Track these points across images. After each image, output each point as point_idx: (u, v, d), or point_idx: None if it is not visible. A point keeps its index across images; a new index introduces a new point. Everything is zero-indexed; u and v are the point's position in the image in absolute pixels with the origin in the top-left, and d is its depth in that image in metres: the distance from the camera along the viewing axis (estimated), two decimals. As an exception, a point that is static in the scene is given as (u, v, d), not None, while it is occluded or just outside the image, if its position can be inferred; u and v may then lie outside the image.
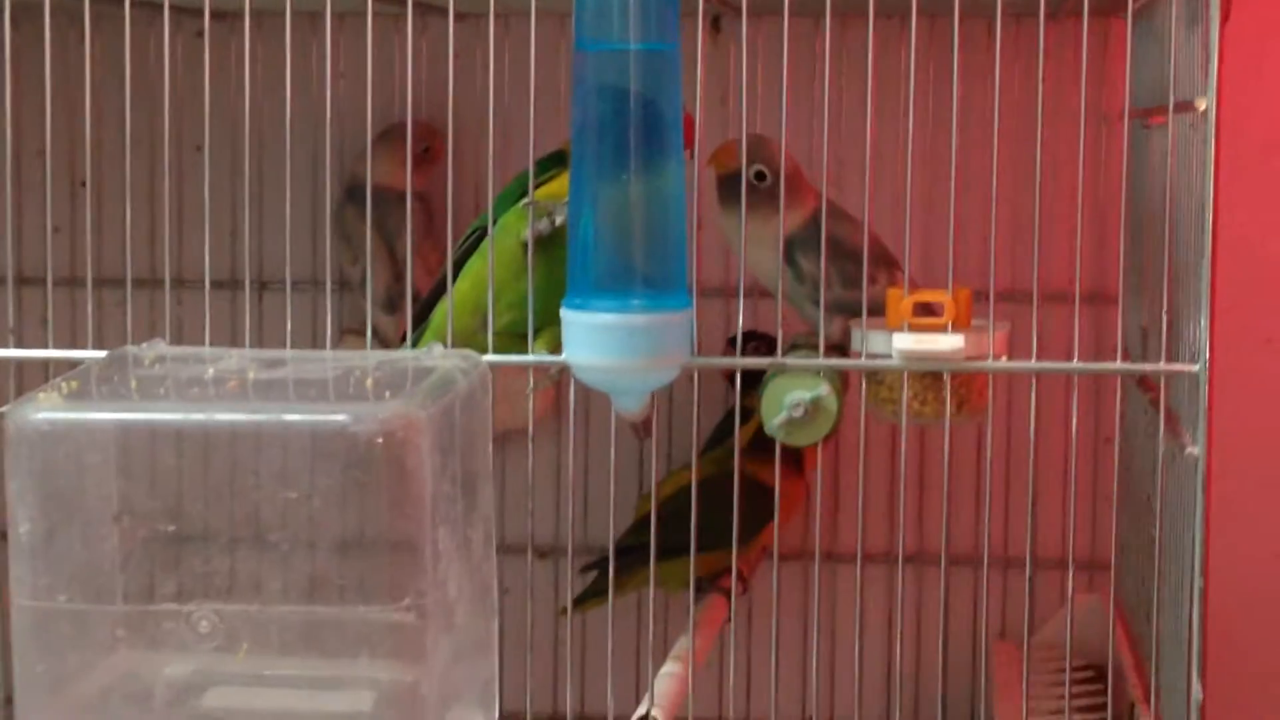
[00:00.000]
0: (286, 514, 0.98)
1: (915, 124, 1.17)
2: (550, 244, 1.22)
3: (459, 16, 1.17)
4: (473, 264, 1.29)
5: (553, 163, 1.28)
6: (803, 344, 1.27)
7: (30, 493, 0.98)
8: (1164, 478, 1.17)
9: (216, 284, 1.20)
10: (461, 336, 1.20)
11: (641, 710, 1.18)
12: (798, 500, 1.45)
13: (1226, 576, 1.21)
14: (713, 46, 1.55)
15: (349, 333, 1.56)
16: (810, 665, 1.41)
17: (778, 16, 1.14)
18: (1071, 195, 1.16)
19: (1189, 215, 1.13)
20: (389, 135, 1.50)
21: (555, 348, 1.14)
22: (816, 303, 1.21)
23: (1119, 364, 1.18)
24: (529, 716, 1.21)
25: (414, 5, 1.16)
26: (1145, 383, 1.26)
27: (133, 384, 1.04)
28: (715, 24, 1.56)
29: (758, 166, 1.28)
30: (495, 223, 1.27)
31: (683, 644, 1.26)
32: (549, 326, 1.16)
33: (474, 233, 1.31)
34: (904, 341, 1.16)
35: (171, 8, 1.16)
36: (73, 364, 1.12)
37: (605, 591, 1.40)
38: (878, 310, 1.21)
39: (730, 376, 1.45)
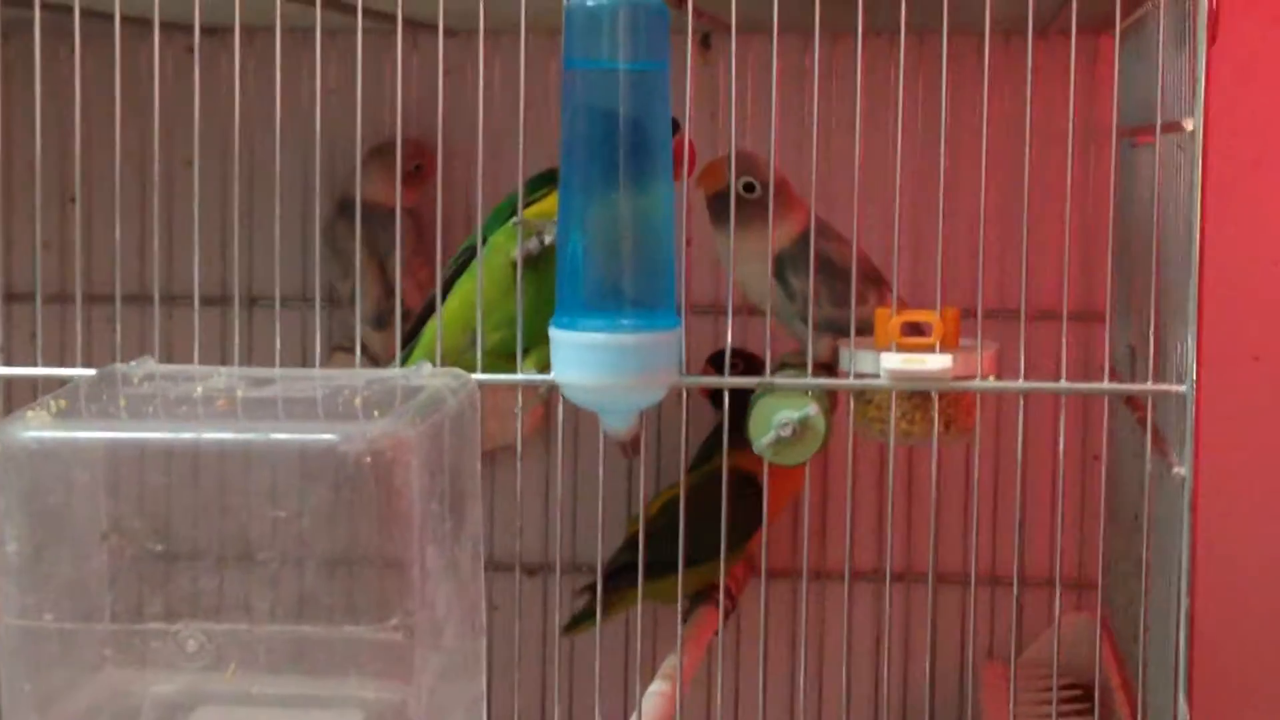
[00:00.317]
0: (275, 533, 0.98)
1: (904, 141, 1.17)
2: (540, 263, 1.22)
3: (449, 34, 1.17)
4: (463, 283, 1.29)
5: (543, 182, 1.28)
6: (791, 363, 1.27)
7: (18, 511, 0.98)
8: (1151, 497, 1.17)
9: (206, 300, 1.20)
10: (451, 355, 1.20)
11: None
12: (791, 490, 1.44)
13: (1213, 596, 1.21)
14: (702, 64, 1.55)
15: (338, 350, 1.56)
16: (798, 684, 1.41)
17: (767, 34, 1.14)
18: (1059, 214, 1.17)
19: (1176, 234, 1.13)
20: (381, 152, 1.50)
21: (544, 367, 1.14)
22: (805, 321, 1.21)
23: (1106, 384, 1.18)
24: (517, 734, 1.21)
25: (404, 22, 1.16)
26: (1133, 401, 1.26)
27: (121, 402, 1.04)
28: (705, 41, 1.56)
29: (746, 178, 1.29)
30: (485, 242, 1.27)
31: (671, 662, 1.26)
32: (538, 346, 1.16)
33: (464, 252, 1.31)
34: (892, 361, 1.16)
35: (162, 23, 1.16)
36: (61, 381, 1.12)
37: (604, 610, 1.40)
38: (866, 329, 1.21)
39: (712, 396, 1.45)
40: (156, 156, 1.17)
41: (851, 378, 1.19)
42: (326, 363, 1.49)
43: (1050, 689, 1.34)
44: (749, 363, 1.35)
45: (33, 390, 1.16)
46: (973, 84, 1.19)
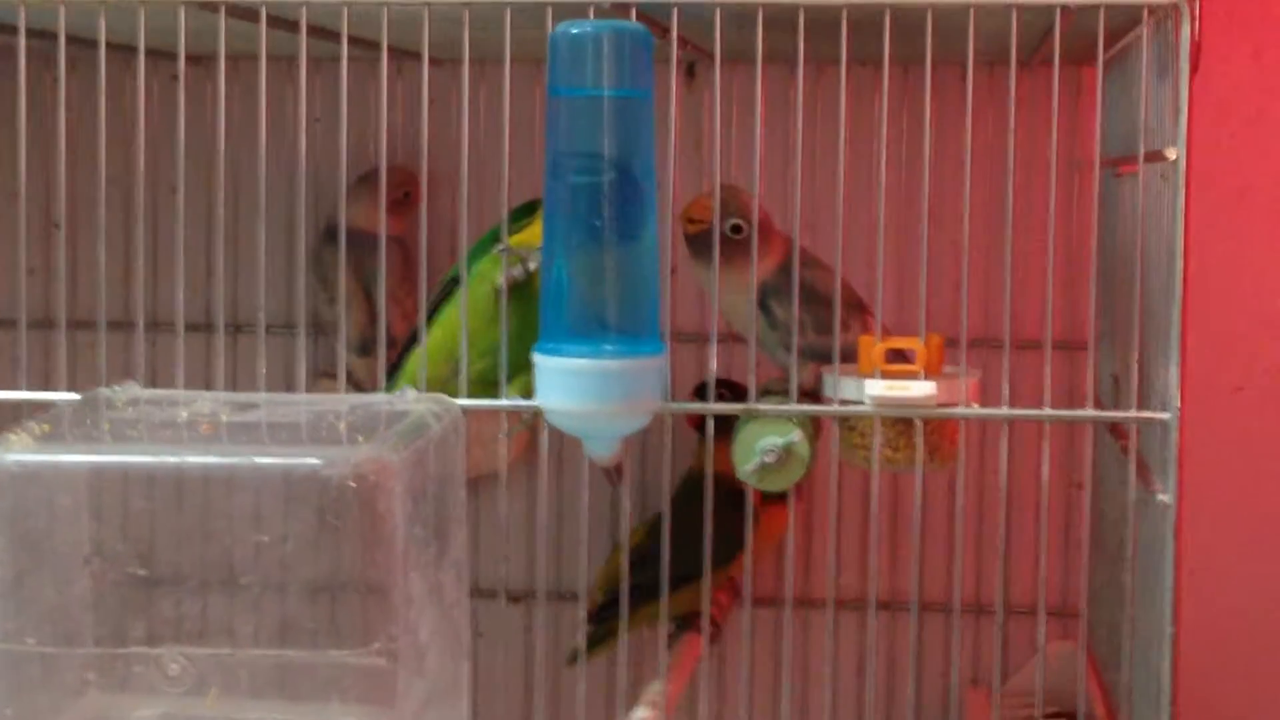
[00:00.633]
0: (258, 557, 0.97)
1: (888, 170, 1.18)
2: (524, 291, 1.22)
3: (434, 62, 1.17)
4: (446, 312, 1.29)
5: (526, 212, 1.29)
6: (775, 390, 1.27)
7: (1, 534, 0.98)
8: (1135, 525, 1.17)
9: (190, 326, 1.20)
10: (435, 384, 1.20)
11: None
12: (779, 527, 1.44)
13: (1197, 624, 1.21)
14: (687, 93, 1.55)
15: (323, 376, 1.56)
16: (782, 711, 1.41)
17: (752, 64, 1.15)
18: (1043, 243, 1.17)
19: (1159, 263, 1.14)
20: (368, 179, 1.50)
21: (528, 394, 1.14)
22: (789, 348, 1.21)
23: (1090, 411, 1.18)
24: (500, 761, 1.21)
25: (389, 50, 1.16)
26: (1117, 430, 1.26)
27: (105, 426, 1.04)
28: (690, 70, 1.57)
29: (735, 220, 1.29)
30: (468, 271, 1.27)
31: (655, 689, 1.26)
32: (522, 373, 1.16)
33: (448, 281, 1.31)
34: (876, 388, 1.16)
35: (147, 50, 1.16)
36: (45, 406, 1.12)
37: (598, 643, 1.40)
38: (850, 356, 1.21)
39: (697, 426, 1.45)
40: (141, 183, 1.17)
41: (836, 404, 1.19)
42: (311, 390, 1.49)
43: (1034, 718, 1.34)
44: (735, 392, 1.35)
45: (17, 414, 1.15)
46: (956, 114, 1.19)
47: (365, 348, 1.52)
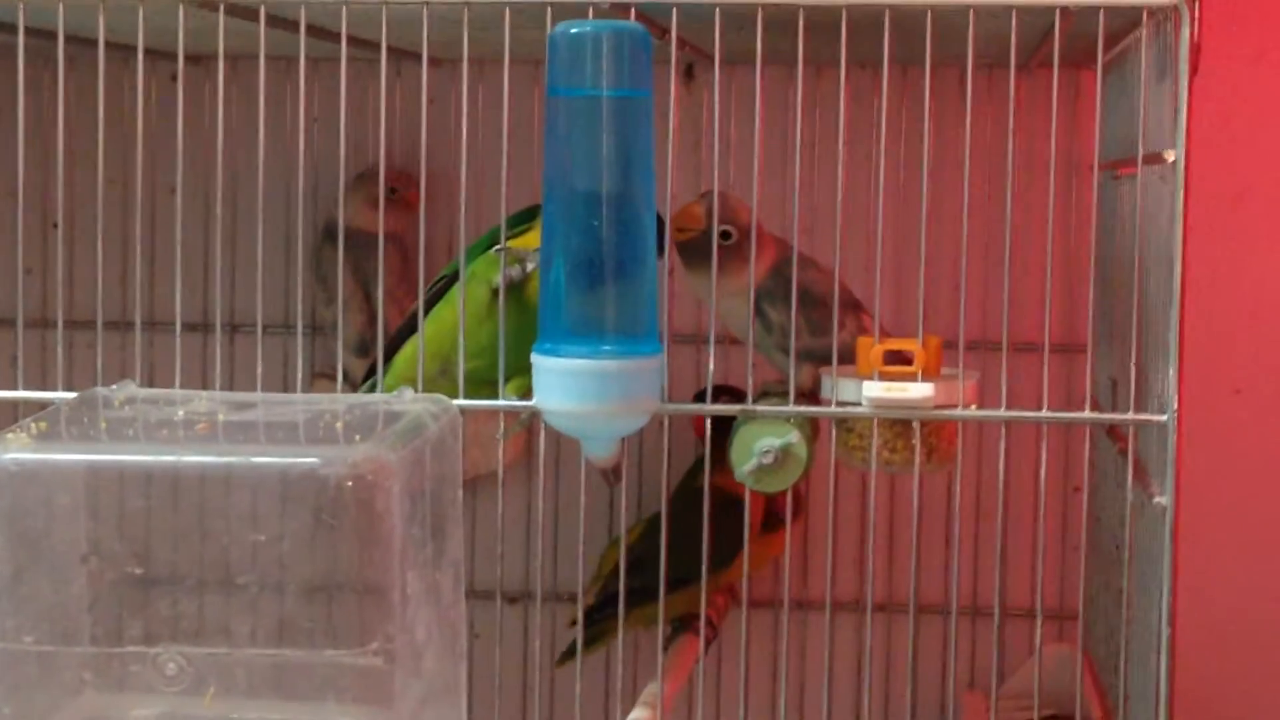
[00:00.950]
0: (255, 556, 0.97)
1: (887, 172, 1.18)
2: (519, 292, 1.22)
3: (433, 62, 1.17)
4: (437, 311, 1.29)
5: (525, 218, 1.29)
6: (773, 391, 1.27)
7: (-2, 533, 0.98)
8: (1132, 527, 1.17)
9: (188, 327, 1.20)
10: (424, 383, 1.20)
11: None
12: (776, 550, 1.45)
13: (1194, 627, 1.21)
14: (686, 94, 1.55)
15: (320, 376, 1.56)
16: (779, 713, 1.41)
17: (751, 65, 1.15)
18: (1042, 245, 1.17)
19: (1158, 266, 1.14)
20: (363, 178, 1.50)
21: (525, 395, 1.14)
22: (785, 351, 1.21)
23: (1088, 413, 1.18)
24: (497, 762, 1.21)
25: (388, 50, 1.16)
26: (1114, 432, 1.26)
27: (102, 425, 1.04)
28: (688, 72, 1.57)
29: (724, 226, 1.29)
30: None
31: (652, 689, 1.26)
32: (517, 374, 1.16)
33: (439, 280, 1.31)
34: (874, 389, 1.16)
35: (146, 50, 1.16)
36: (42, 405, 1.12)
37: (589, 643, 1.40)
38: (847, 357, 1.21)
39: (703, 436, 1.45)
40: (139, 182, 1.17)
41: (834, 405, 1.19)
42: (308, 390, 1.49)
43: (1031, 720, 1.34)
44: (735, 398, 1.35)
45: (13, 413, 1.15)
46: (955, 116, 1.19)
47: (362, 348, 1.52)
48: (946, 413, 1.16)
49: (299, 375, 1.21)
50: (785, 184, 1.21)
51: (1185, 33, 1.09)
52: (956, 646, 1.51)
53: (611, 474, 1.25)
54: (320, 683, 0.97)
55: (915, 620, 1.20)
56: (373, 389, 1.27)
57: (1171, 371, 1.11)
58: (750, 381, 1.19)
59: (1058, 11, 1.12)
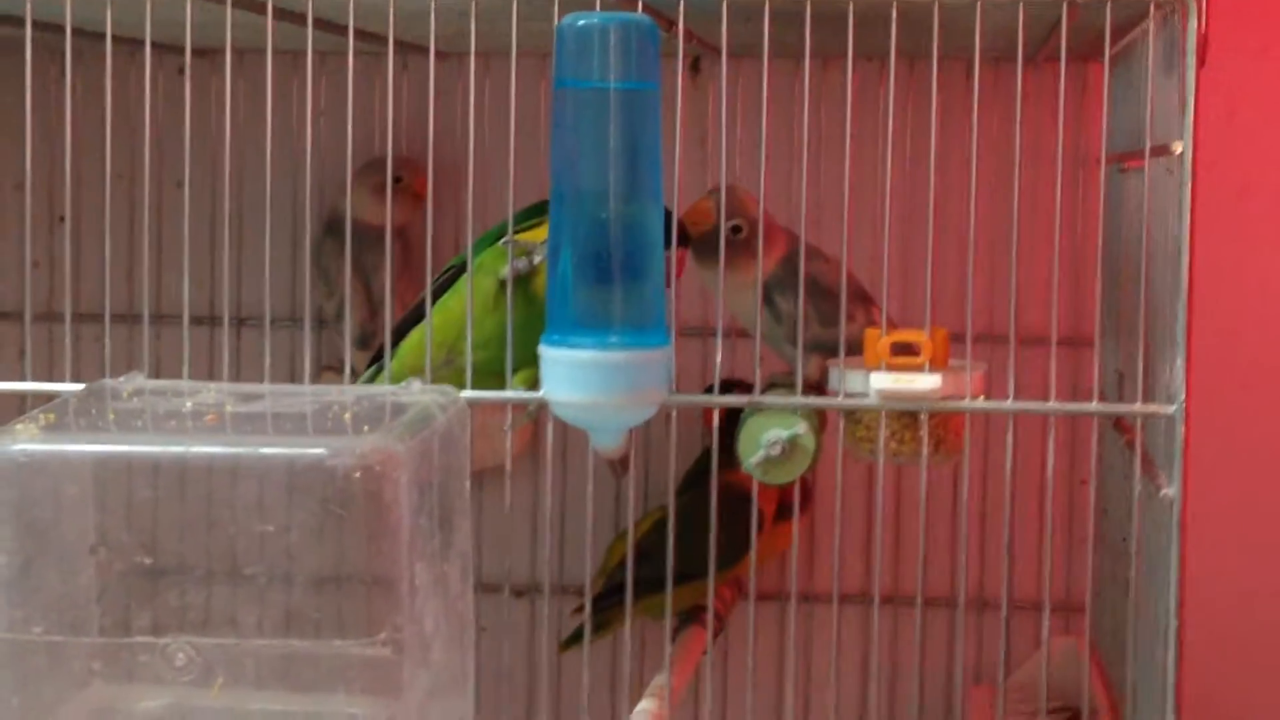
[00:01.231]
0: (263, 547, 0.97)
1: (894, 165, 1.18)
2: (526, 285, 1.23)
3: (440, 55, 1.17)
4: (444, 301, 1.29)
5: (532, 214, 1.29)
6: (780, 383, 1.27)
7: (6, 524, 0.98)
8: (1139, 519, 1.17)
9: (195, 320, 1.20)
10: (430, 372, 1.20)
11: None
12: (785, 543, 1.45)
13: (1202, 619, 1.21)
14: (692, 87, 1.55)
15: (327, 369, 1.56)
16: (786, 705, 1.41)
17: (758, 58, 1.15)
18: (1049, 237, 1.17)
19: (1165, 258, 1.14)
20: (366, 170, 1.50)
21: (532, 387, 1.14)
22: (794, 342, 1.21)
23: (1095, 405, 1.18)
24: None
25: (395, 44, 1.16)
26: (1121, 424, 1.26)
27: (110, 416, 1.04)
28: (695, 65, 1.57)
29: (734, 221, 1.29)
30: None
31: (659, 681, 1.26)
32: (524, 366, 1.16)
33: (448, 271, 1.31)
34: (881, 381, 1.16)
35: (153, 44, 1.16)
36: (50, 397, 1.12)
37: (601, 628, 1.40)
38: (855, 349, 1.21)
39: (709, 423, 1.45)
40: (147, 176, 1.17)
41: (841, 397, 1.19)
42: (315, 383, 1.49)
43: (1038, 713, 1.34)
44: (742, 389, 1.35)
45: (21, 405, 1.16)
46: (962, 109, 1.19)
47: (365, 341, 1.52)
48: (954, 404, 1.16)
49: (306, 368, 1.21)
50: (792, 177, 1.21)
51: (1193, 25, 1.09)
52: (964, 639, 1.52)
53: (619, 465, 1.25)
54: (328, 673, 0.97)
55: (922, 613, 1.20)
56: (375, 375, 1.28)
57: (1180, 362, 1.11)
58: (758, 373, 1.19)
59: (1065, 4, 1.12)
